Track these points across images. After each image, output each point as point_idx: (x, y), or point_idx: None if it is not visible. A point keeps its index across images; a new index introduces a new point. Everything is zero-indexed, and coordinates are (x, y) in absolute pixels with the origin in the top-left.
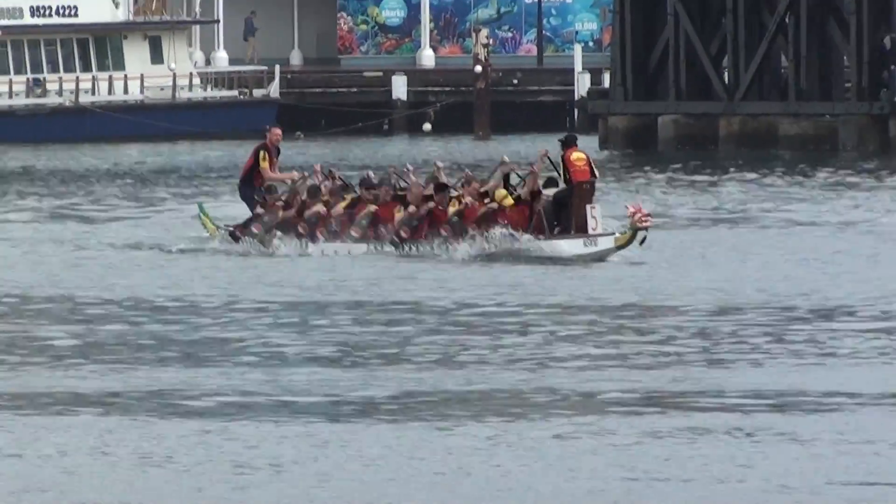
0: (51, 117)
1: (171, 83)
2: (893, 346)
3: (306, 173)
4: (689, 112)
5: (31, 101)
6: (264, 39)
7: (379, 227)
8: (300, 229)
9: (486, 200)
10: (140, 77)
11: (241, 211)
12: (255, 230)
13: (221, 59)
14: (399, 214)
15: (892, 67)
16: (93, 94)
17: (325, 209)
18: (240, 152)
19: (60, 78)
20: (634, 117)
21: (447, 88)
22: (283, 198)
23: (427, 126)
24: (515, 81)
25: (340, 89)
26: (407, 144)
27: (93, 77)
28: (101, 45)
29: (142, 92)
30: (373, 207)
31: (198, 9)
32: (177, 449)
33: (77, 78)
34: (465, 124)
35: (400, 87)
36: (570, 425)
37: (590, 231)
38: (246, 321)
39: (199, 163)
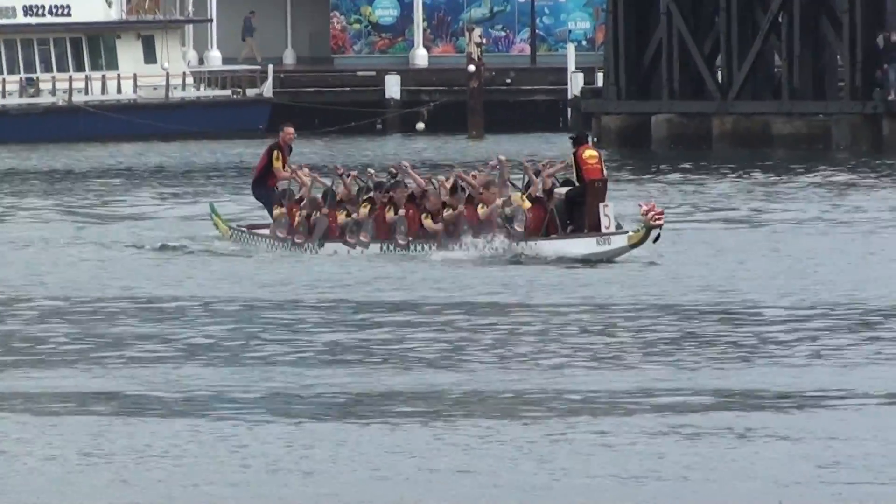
0: (44, 117)
1: (164, 82)
2: (886, 345)
3: (316, 175)
4: (683, 111)
5: (25, 100)
6: (257, 39)
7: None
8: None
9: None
10: (133, 76)
11: (240, 208)
12: (279, 234)
13: (215, 58)
14: (427, 221)
15: (886, 66)
16: (86, 93)
17: (346, 217)
18: (234, 151)
19: (53, 77)
20: (628, 116)
21: (440, 88)
22: (304, 207)
23: (420, 125)
24: (509, 81)
25: (334, 89)
26: (400, 144)
27: (86, 76)
28: (95, 44)
29: (135, 91)
30: (401, 212)
31: (191, 8)
32: (169, 448)
33: (70, 77)
34: (458, 124)
35: (393, 87)
36: (562, 425)
37: (603, 230)
38: (241, 320)
39: (190, 162)
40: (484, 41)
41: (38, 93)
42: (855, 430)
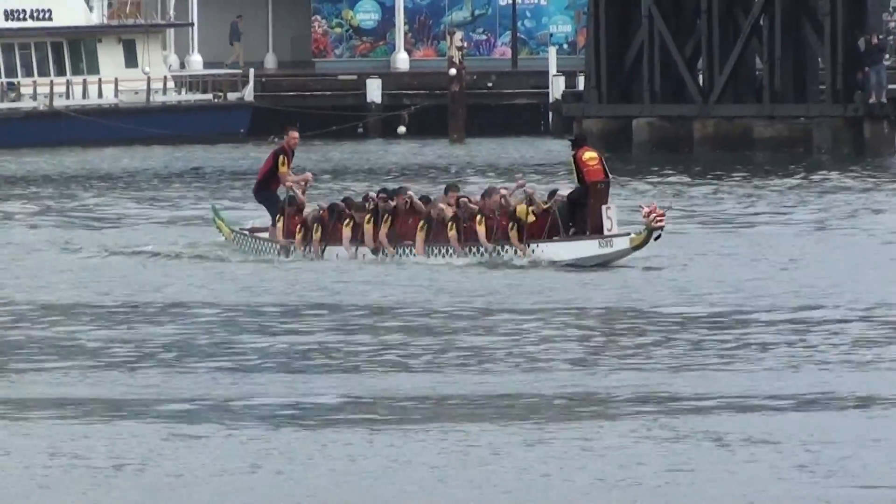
0: (25, 121)
1: (145, 87)
2: (864, 348)
3: (319, 206)
4: (664, 115)
5: (6, 105)
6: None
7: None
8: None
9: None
10: (114, 81)
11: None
12: (280, 240)
13: (196, 62)
14: (421, 234)
15: (867, 69)
16: (67, 98)
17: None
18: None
19: (35, 82)
20: (609, 120)
21: (422, 91)
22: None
23: (401, 129)
24: (490, 84)
25: (315, 93)
26: (381, 147)
27: (67, 81)
28: (76, 48)
29: (116, 95)
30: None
31: (172, 12)
32: (149, 456)
33: (52, 82)
34: (439, 127)
35: (374, 91)
36: (540, 429)
37: (605, 232)
38: (229, 325)
39: (171, 166)
40: (465, 45)
41: (19, 97)
42: (834, 433)
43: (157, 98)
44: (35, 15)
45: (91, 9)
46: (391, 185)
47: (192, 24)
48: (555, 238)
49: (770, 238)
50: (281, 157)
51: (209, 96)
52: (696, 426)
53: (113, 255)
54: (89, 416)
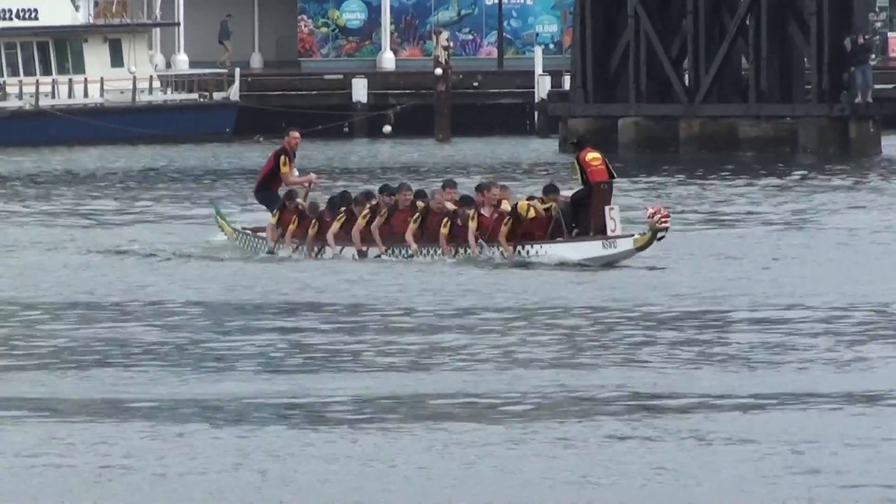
0: (11, 121)
1: (131, 86)
2: (849, 347)
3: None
4: (650, 114)
5: None
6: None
7: (393, 234)
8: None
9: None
10: (100, 80)
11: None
12: (276, 237)
13: (182, 61)
14: (413, 226)
15: (853, 69)
16: (53, 97)
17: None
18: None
19: (20, 81)
20: (595, 119)
21: (407, 91)
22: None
23: (387, 129)
24: (476, 84)
25: (301, 92)
26: (367, 147)
27: (53, 80)
28: (62, 48)
29: (102, 95)
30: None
31: (158, 11)
32: (134, 455)
33: (37, 81)
34: (425, 127)
35: (360, 90)
36: (524, 429)
37: (609, 232)
38: (214, 324)
39: (157, 165)
40: (451, 44)
41: (4, 97)
42: (818, 432)
43: (143, 98)
44: (21, 14)
45: (77, 8)
46: (391, 184)
47: (178, 24)
48: (558, 239)
49: (754, 237)
50: (282, 158)
51: (195, 96)
52: (680, 425)
53: (98, 254)
54: (73, 415)
